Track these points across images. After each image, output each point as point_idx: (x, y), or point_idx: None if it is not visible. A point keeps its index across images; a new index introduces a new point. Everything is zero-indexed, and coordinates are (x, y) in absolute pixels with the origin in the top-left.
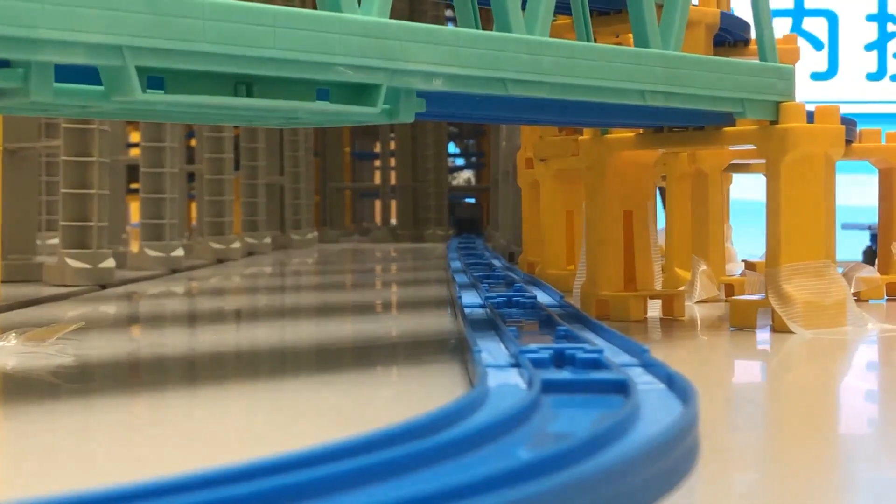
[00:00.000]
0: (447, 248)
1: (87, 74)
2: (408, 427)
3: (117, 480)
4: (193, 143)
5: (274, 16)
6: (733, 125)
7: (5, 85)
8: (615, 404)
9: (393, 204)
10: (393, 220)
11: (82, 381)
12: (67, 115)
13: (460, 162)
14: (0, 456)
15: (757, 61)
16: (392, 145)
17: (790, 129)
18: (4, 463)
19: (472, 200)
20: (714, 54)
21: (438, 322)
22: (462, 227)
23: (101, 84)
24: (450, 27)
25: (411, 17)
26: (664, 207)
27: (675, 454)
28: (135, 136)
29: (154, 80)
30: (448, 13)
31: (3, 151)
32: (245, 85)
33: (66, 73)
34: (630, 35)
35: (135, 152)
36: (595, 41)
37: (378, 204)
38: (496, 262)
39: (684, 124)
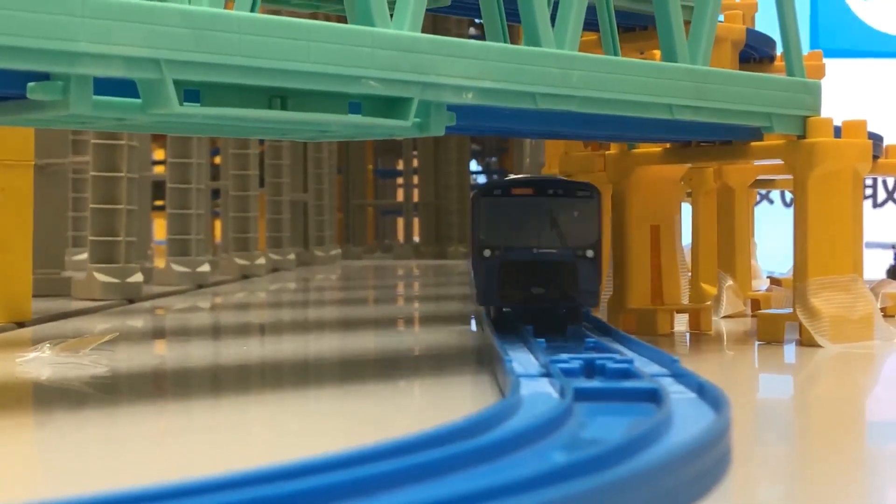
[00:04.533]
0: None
1: (124, 88)
2: (445, 430)
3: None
4: (218, 160)
5: (308, 30)
6: (760, 140)
7: (45, 98)
8: (647, 412)
9: (415, 221)
10: (415, 237)
11: (114, 391)
12: (104, 128)
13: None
14: (35, 460)
15: (784, 76)
16: (415, 162)
17: (817, 144)
18: (39, 467)
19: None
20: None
21: (463, 336)
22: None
23: (138, 97)
24: (481, 41)
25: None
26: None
27: (709, 459)
28: (158, 154)
29: (190, 93)
30: (471, 31)
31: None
32: (279, 98)
33: (103, 87)
34: (654, 51)
35: (159, 169)
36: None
37: (400, 221)
38: None
39: (711, 139)
